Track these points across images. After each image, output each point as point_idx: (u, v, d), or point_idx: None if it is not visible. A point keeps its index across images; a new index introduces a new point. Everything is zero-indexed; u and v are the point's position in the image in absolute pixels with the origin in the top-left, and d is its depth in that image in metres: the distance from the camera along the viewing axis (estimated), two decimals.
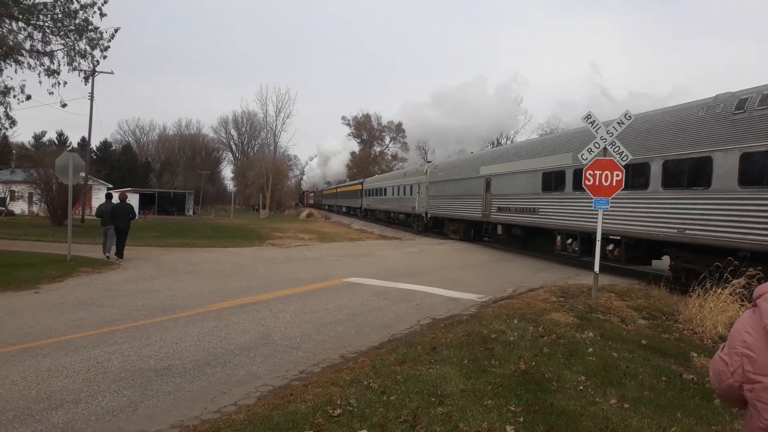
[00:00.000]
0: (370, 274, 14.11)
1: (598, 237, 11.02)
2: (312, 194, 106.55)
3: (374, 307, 10.04)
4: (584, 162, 11.04)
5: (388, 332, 8.15)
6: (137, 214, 18.79)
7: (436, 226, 32.18)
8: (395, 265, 16.64)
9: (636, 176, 14.04)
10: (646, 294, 11.81)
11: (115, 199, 17.90)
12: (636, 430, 4.67)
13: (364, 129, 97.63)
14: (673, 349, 7.60)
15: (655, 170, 13.60)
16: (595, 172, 10.75)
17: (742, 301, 9.00)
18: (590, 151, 10.98)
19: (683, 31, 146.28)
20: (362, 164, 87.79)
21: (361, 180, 60.32)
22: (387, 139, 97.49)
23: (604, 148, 10.82)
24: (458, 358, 6.42)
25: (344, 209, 68.42)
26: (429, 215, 32.02)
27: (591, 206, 11.57)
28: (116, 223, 16.34)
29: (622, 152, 10.78)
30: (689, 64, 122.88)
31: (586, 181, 10.86)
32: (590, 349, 7.05)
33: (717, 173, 11.72)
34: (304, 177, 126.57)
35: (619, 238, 15.13)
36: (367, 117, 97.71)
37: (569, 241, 17.37)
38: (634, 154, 12.27)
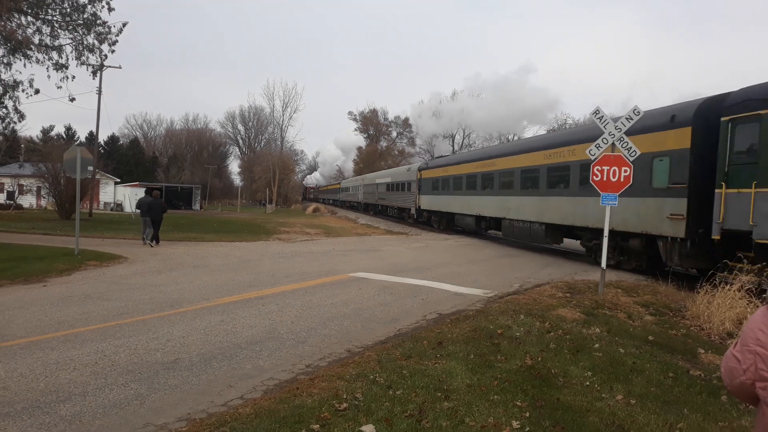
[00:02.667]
0: (376, 269, 14.11)
1: (605, 233, 10.97)
2: (312, 190, 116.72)
3: (380, 301, 10.05)
4: (592, 158, 10.98)
5: (394, 327, 8.16)
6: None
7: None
8: (401, 260, 16.64)
9: (562, 180, 18.29)
10: (653, 290, 11.76)
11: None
12: (642, 426, 4.65)
13: (371, 124, 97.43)
14: (680, 345, 7.56)
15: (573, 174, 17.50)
16: (603, 167, 10.69)
17: (750, 297, 8.96)
18: (598, 146, 10.91)
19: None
20: (369, 159, 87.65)
21: (339, 180, 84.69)
22: (394, 134, 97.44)
23: (612, 144, 10.76)
24: (464, 353, 6.41)
25: (331, 201, 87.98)
26: (421, 209, 36.76)
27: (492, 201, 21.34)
28: (151, 215, 19.14)
29: (631, 148, 10.71)
30: None
31: (594, 177, 10.80)
32: (597, 345, 7.03)
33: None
34: (315, 173, 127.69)
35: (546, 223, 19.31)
36: (373, 112, 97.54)
37: (483, 224, 26.13)
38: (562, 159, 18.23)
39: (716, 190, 11.81)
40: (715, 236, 11.76)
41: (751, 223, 10.86)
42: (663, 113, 14.06)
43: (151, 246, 18.74)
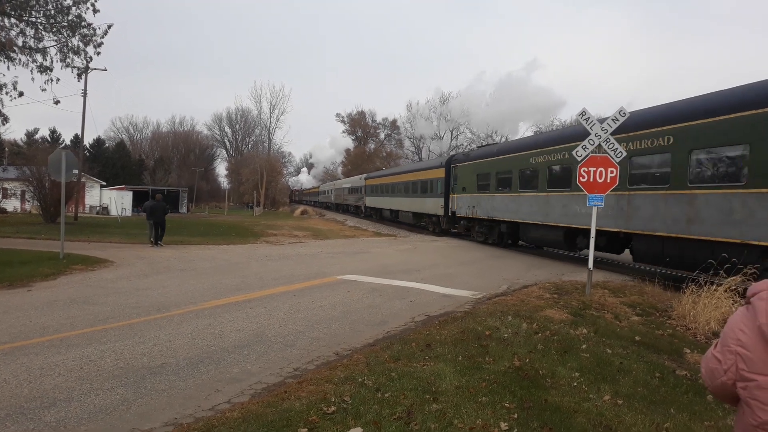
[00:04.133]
0: (364, 271, 14.10)
1: (593, 234, 11.04)
2: (297, 192, 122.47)
3: (369, 304, 10.03)
4: (579, 159, 11.04)
5: (382, 329, 8.14)
6: (167, 210, 22.31)
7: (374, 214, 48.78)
8: (390, 262, 16.63)
9: (505, 182, 21.67)
10: (639, 291, 11.85)
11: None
12: (629, 426, 4.68)
13: (359, 126, 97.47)
14: (666, 346, 7.62)
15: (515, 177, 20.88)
16: (590, 169, 10.74)
17: (736, 298, 9.05)
18: (585, 148, 10.98)
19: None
20: (357, 161, 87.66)
21: (316, 185, 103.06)
22: (382, 136, 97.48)
23: (599, 145, 10.83)
24: (453, 355, 6.42)
25: (312, 203, 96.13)
26: (366, 207, 50.38)
27: (422, 201, 32.02)
28: (154, 218, 20.44)
29: (617, 149, 10.79)
30: None
31: (581, 178, 10.85)
32: (584, 346, 7.06)
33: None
34: (300, 176, 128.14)
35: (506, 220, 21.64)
36: (361, 114, 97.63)
37: (423, 221, 33.66)
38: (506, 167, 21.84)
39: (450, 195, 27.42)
40: (449, 215, 27.85)
41: (455, 208, 26.46)
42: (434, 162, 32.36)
43: (160, 246, 20.09)
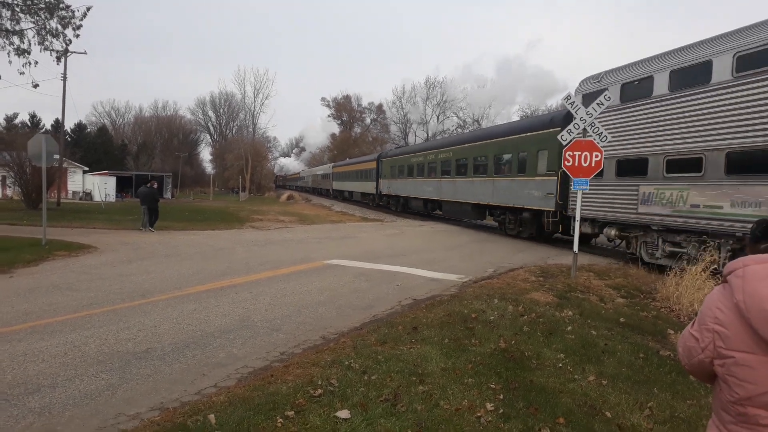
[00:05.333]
0: (351, 256, 14.09)
1: (577, 217, 11.11)
2: (281, 178, 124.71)
3: (355, 288, 10.04)
4: (564, 142, 11.08)
5: (369, 313, 8.16)
6: (158, 197, 22.56)
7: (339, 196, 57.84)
8: (377, 247, 16.64)
9: (462, 168, 25.37)
10: (624, 273, 11.98)
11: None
12: (614, 405, 4.74)
13: (345, 110, 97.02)
14: (650, 327, 7.72)
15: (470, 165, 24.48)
16: (575, 153, 10.78)
17: (717, 278, 9.17)
18: (569, 132, 11.01)
19: None
20: (343, 146, 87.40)
21: (298, 171, 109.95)
22: (368, 121, 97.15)
23: (584, 129, 10.86)
24: (439, 338, 6.45)
25: (294, 188, 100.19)
26: (333, 189, 60.71)
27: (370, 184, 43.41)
28: (147, 203, 20.68)
29: (602, 133, 10.84)
30: None
31: (565, 162, 10.89)
32: (569, 328, 7.13)
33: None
34: (285, 160, 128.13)
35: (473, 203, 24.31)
36: (347, 98, 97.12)
37: (365, 199, 44.78)
38: (465, 155, 25.33)
39: (379, 179, 39.97)
40: (378, 193, 40.16)
41: (381, 189, 39.78)
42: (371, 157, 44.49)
43: (152, 231, 20.29)
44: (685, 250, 12.34)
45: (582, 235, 14.56)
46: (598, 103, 10.74)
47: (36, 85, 24.34)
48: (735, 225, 10.81)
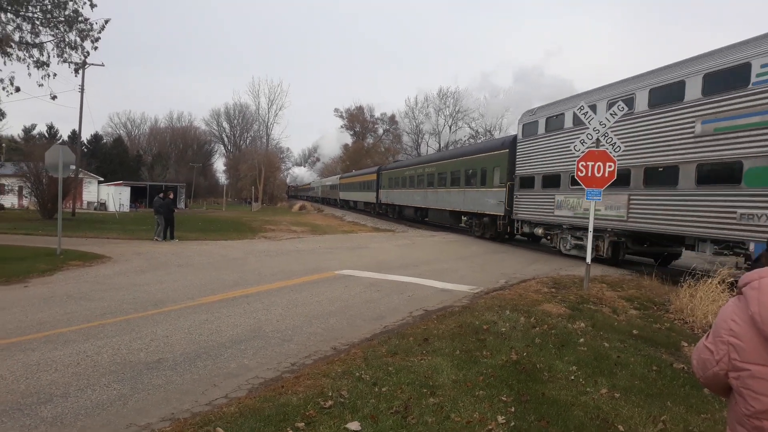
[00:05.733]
0: (362, 267, 14.09)
1: (590, 228, 11.04)
2: (293, 188, 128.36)
3: (366, 299, 10.03)
4: (576, 153, 11.03)
5: (380, 324, 8.14)
6: (174, 208, 22.81)
7: (345, 206, 63.18)
8: (388, 257, 16.63)
9: (442, 180, 29.93)
10: (637, 284, 11.87)
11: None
12: (626, 419, 4.68)
13: (357, 121, 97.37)
14: (663, 339, 7.64)
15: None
16: (588, 163, 10.73)
17: (732, 290, 9.07)
18: (583, 142, 10.97)
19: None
20: (355, 157, 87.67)
21: (308, 182, 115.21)
22: (380, 131, 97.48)
23: (597, 139, 10.81)
24: (450, 349, 6.42)
25: (305, 198, 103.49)
26: (340, 199, 65.97)
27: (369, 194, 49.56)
28: (164, 214, 20.99)
29: (615, 143, 10.78)
30: None
31: (579, 173, 10.83)
32: (582, 340, 7.07)
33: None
34: (297, 170, 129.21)
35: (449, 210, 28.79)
36: (360, 109, 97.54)
37: (368, 207, 49.80)
38: (444, 169, 29.84)
39: (379, 190, 45.63)
40: (379, 203, 46.29)
41: (381, 198, 44.68)
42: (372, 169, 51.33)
43: (164, 240, 20.71)
44: (583, 242, 16.91)
45: (529, 235, 21.42)
46: (612, 113, 10.70)
47: (54, 97, 24.68)
48: (608, 222, 15.74)
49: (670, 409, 4.96)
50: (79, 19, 23.63)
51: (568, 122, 17.83)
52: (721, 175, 12.34)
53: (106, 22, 24.35)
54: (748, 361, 1.87)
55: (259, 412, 4.50)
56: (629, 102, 14.62)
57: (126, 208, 50.51)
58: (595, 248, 16.10)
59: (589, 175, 10.71)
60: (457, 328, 7.44)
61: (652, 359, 6.51)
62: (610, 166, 10.58)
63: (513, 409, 4.73)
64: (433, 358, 6.05)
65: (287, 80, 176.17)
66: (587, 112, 11.01)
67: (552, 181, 18.57)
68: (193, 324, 7.82)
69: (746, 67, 11.63)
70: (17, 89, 23.77)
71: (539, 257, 17.90)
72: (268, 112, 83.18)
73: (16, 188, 40.52)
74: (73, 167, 17.76)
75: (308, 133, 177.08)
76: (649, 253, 16.93)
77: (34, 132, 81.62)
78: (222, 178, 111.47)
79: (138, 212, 48.26)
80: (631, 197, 14.93)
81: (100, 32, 24.27)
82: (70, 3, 23.27)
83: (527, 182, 20.45)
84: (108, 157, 77.24)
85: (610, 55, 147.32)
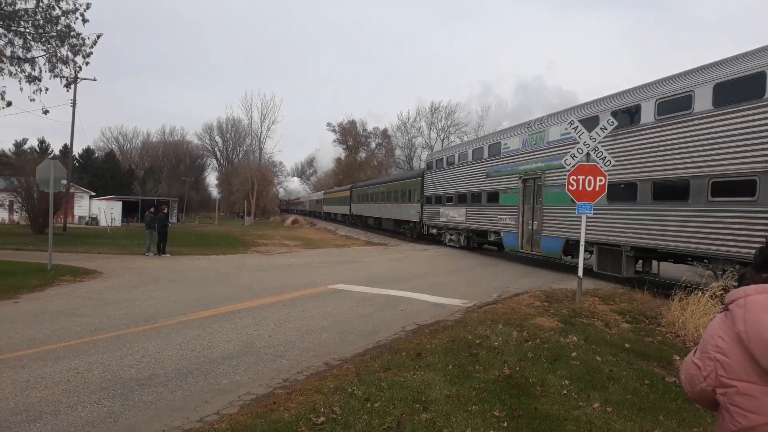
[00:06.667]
0: (355, 281, 14.07)
1: (582, 242, 11.09)
2: (284, 203, 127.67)
3: (359, 313, 10.01)
4: (567, 168, 11.11)
5: (373, 339, 8.12)
6: (167, 222, 22.87)
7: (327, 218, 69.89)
8: (380, 272, 16.62)
9: (388, 196, 39.39)
10: (629, 298, 11.90)
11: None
12: None
13: (350, 135, 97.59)
14: (656, 353, 7.65)
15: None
16: (578, 177, 10.80)
17: (722, 304, 9.10)
18: (573, 156, 11.05)
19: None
20: (348, 171, 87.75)
21: (298, 197, 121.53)
22: (373, 145, 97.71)
23: (587, 153, 10.90)
24: (443, 364, 6.41)
25: (295, 212, 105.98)
26: (324, 212, 72.84)
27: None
28: (158, 228, 21.06)
29: (605, 157, 10.87)
30: None
31: (570, 186, 10.90)
32: (574, 354, 7.08)
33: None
34: (290, 184, 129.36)
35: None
36: (352, 123, 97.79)
37: (343, 219, 60.00)
38: (390, 189, 40.40)
39: (351, 204, 54.53)
40: (352, 214, 54.59)
41: (353, 211, 53.49)
42: (346, 187, 62.46)
43: (155, 255, 20.68)
44: (453, 237, 26.69)
45: (431, 234, 30.44)
46: (602, 128, 10.81)
47: (46, 112, 24.56)
48: (467, 226, 24.53)
49: (662, 423, 4.96)
50: (71, 34, 23.63)
51: (456, 161, 26.24)
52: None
53: (98, 37, 24.35)
54: (734, 377, 1.89)
55: (251, 429, 4.48)
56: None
57: (118, 223, 50.26)
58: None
59: (580, 189, 10.78)
60: (450, 343, 7.43)
61: (644, 373, 6.52)
62: (600, 180, 10.66)
63: (506, 424, 4.72)
64: (425, 373, 6.04)
65: (281, 94, 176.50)
66: (578, 127, 11.10)
67: (440, 200, 28.04)
68: (184, 340, 7.78)
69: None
70: (9, 104, 23.65)
71: (531, 271, 17.95)
72: (261, 126, 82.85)
73: (7, 203, 40.26)
74: (64, 182, 17.67)
75: (302, 146, 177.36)
76: None
77: (26, 146, 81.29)
78: (214, 192, 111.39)
79: (130, 227, 48.00)
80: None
81: (92, 47, 24.26)
82: (62, 18, 23.29)
83: (430, 200, 29.82)
84: (100, 171, 77.00)
85: (614, 64, 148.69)
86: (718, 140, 11.42)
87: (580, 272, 11.16)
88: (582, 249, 11.14)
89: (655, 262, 14.86)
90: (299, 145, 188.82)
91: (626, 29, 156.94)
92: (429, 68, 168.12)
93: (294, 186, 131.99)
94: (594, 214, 11.67)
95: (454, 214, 25.77)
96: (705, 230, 11.62)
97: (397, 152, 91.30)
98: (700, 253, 12.05)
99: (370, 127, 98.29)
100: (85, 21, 23.67)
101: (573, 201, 11.09)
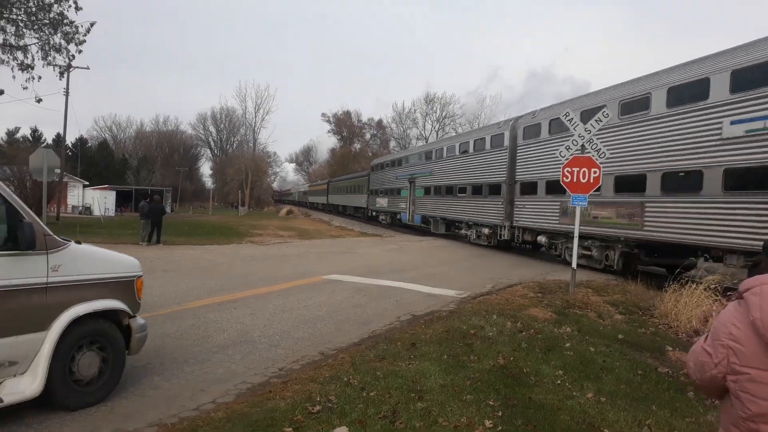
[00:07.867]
0: (350, 271, 14.10)
1: (576, 233, 11.14)
2: (277, 193, 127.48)
3: (354, 303, 10.04)
4: (562, 159, 11.14)
5: (368, 329, 8.15)
6: (163, 211, 22.87)
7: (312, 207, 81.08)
8: (375, 262, 16.65)
9: (349, 189, 53.91)
10: (622, 289, 11.98)
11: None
12: (612, 422, 4.73)
13: (345, 126, 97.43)
14: (648, 343, 7.72)
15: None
16: (573, 169, 10.83)
17: (716, 296, 9.19)
18: (568, 148, 11.08)
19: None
20: (343, 162, 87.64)
21: (289, 188, 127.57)
22: (368, 136, 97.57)
23: (582, 146, 10.93)
24: (438, 354, 6.45)
25: (287, 202, 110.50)
26: (308, 202, 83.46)
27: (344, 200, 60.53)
28: (152, 218, 21.04)
29: (600, 149, 10.90)
30: None
31: (564, 178, 10.93)
32: (568, 344, 7.13)
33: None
34: (285, 175, 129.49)
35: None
36: (347, 114, 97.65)
37: (322, 208, 71.27)
38: (350, 183, 56.28)
39: (329, 195, 65.84)
40: (329, 204, 65.43)
41: (331, 201, 64.43)
42: (324, 181, 76.69)
43: (149, 244, 20.58)
44: (383, 217, 40.69)
45: (376, 218, 43.21)
46: (596, 120, 10.83)
47: (39, 100, 24.50)
48: (388, 209, 38.54)
49: (655, 413, 5.01)
50: (64, 21, 23.48)
51: (385, 167, 39.42)
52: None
53: (92, 25, 24.23)
54: (747, 365, 1.92)
55: (246, 417, 4.50)
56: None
57: (111, 213, 50.03)
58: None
59: (575, 180, 10.81)
60: (445, 333, 7.47)
61: (638, 363, 6.58)
62: (595, 172, 10.69)
63: (500, 414, 4.76)
64: (420, 363, 6.07)
65: (275, 84, 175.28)
66: (572, 119, 11.13)
67: (377, 193, 40.85)
68: (179, 329, 7.78)
69: None
70: (1, 92, 23.53)
71: (524, 262, 18.03)
72: (255, 116, 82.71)
73: None
74: (57, 171, 17.61)
75: (297, 136, 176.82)
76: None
77: (18, 135, 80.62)
78: (208, 182, 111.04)
79: (123, 216, 47.83)
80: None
81: (85, 35, 24.16)
82: (55, 6, 23.11)
83: (372, 192, 42.75)
84: (93, 160, 76.65)
85: (620, 54, 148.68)
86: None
87: (574, 263, 11.23)
88: (576, 241, 11.19)
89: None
90: (296, 134, 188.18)
91: (628, 20, 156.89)
92: (431, 61, 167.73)
93: (289, 177, 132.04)
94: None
95: (383, 202, 39.40)
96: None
97: (392, 143, 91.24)
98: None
99: (365, 118, 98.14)
100: (78, 9, 23.50)
101: (425, 193, 18.19)
